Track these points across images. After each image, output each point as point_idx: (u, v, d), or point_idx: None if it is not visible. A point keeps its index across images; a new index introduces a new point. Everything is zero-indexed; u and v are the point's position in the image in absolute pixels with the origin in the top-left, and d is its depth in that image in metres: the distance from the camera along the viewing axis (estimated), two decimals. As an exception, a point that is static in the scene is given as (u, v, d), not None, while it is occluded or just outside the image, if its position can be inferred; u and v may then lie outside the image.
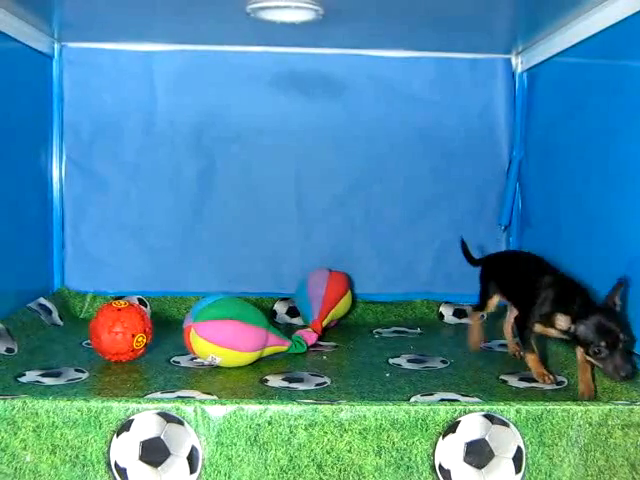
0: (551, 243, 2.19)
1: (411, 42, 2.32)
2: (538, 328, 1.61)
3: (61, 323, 2.20)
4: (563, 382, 1.66)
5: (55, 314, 2.21)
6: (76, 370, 1.72)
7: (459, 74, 2.44)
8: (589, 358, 1.48)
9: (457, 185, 2.47)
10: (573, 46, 1.99)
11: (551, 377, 1.62)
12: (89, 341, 1.83)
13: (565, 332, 1.50)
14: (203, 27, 2.13)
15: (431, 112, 2.45)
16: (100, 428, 1.22)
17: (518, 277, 1.78)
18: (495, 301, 1.89)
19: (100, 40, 2.34)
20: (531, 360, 1.66)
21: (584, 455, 1.27)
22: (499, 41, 2.30)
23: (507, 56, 2.44)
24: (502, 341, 2.00)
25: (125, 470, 1.22)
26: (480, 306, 1.92)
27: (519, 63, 2.43)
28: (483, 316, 1.98)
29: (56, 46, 2.35)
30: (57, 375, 1.67)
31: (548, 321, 1.54)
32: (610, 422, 1.27)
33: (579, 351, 1.53)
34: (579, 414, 1.26)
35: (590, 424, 1.26)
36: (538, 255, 1.84)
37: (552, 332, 1.56)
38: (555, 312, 1.51)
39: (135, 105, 2.40)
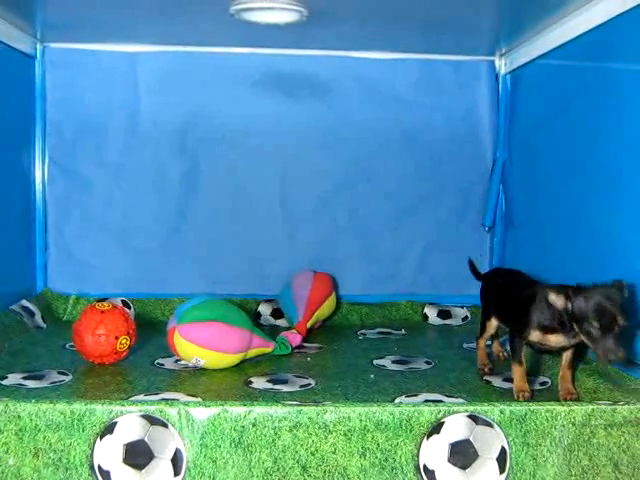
0: (534, 244, 2.20)
1: (396, 44, 2.33)
2: (537, 337, 1.51)
3: (44, 325, 2.19)
4: (547, 382, 1.67)
5: (38, 316, 2.19)
6: (59, 373, 1.71)
7: (443, 76, 2.45)
8: (582, 336, 1.39)
9: (441, 186, 2.48)
10: (556, 48, 2.00)
11: (527, 395, 1.51)
12: (72, 343, 1.82)
13: (563, 312, 1.40)
14: (187, 28, 2.13)
15: (416, 113, 2.45)
16: (83, 431, 1.21)
17: (507, 294, 1.69)
18: (494, 323, 1.78)
19: (83, 41, 2.33)
20: (517, 372, 1.54)
21: (567, 455, 1.27)
22: (483, 43, 2.31)
23: (491, 58, 2.45)
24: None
25: (109, 473, 1.21)
26: (480, 329, 1.83)
27: (502, 65, 2.44)
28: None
29: (39, 47, 2.33)
30: (40, 378, 1.66)
31: (549, 325, 1.46)
32: (593, 422, 1.27)
33: (565, 357, 1.53)
34: (562, 414, 1.27)
35: (573, 424, 1.27)
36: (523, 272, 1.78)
37: (551, 339, 1.48)
38: (548, 292, 1.41)
39: (119, 106, 2.39)
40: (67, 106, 2.37)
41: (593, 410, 1.28)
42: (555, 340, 1.49)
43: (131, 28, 2.17)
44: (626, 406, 1.29)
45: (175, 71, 2.39)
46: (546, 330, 1.48)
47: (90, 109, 2.38)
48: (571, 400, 1.46)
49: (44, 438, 1.21)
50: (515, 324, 1.61)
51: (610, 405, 1.29)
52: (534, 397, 1.52)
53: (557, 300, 1.41)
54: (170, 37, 2.28)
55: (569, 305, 1.40)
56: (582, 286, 1.41)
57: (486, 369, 1.79)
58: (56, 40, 2.33)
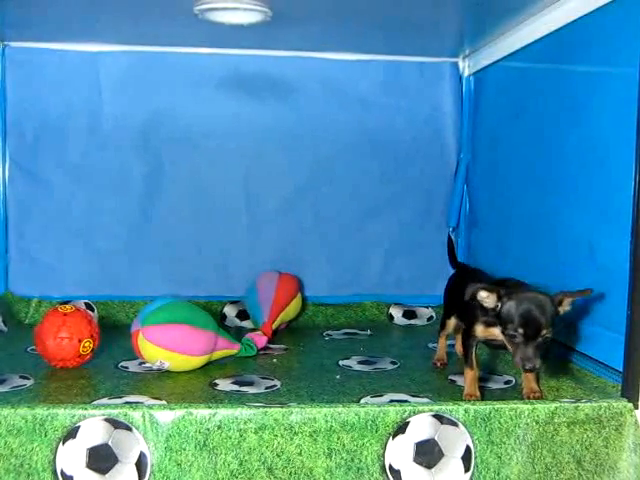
0: (497, 244, 2.22)
1: (360, 45, 2.33)
2: (481, 332, 1.52)
3: (5, 329, 2.16)
4: (511, 381, 1.69)
5: (-1, 320, 2.16)
6: (21, 377, 1.68)
7: (407, 77, 2.46)
8: (503, 337, 1.41)
9: (406, 187, 2.49)
10: (518, 50, 2.02)
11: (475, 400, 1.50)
12: (34, 347, 1.79)
13: (491, 311, 1.42)
14: (151, 28, 2.11)
15: (380, 115, 2.46)
16: (46, 436, 1.20)
17: (458, 291, 1.69)
18: (454, 322, 1.82)
19: (45, 40, 2.30)
20: (468, 376, 1.55)
21: (531, 453, 1.29)
22: (446, 45, 2.32)
23: (454, 59, 2.47)
24: (450, 342, 2.01)
25: (72, 478, 1.19)
26: (440, 325, 1.88)
27: (466, 67, 2.46)
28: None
29: (-1, 46, 2.30)
30: (1, 382, 1.63)
31: (489, 318, 1.46)
32: (556, 420, 1.29)
33: None
34: (526, 412, 1.28)
35: (537, 422, 1.28)
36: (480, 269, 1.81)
37: (495, 332, 1.47)
38: (479, 289, 1.41)
39: (81, 106, 2.36)
40: (28, 106, 2.33)
41: (556, 408, 1.29)
42: (499, 333, 1.47)
43: (94, 27, 2.14)
44: (588, 404, 1.31)
45: (138, 71, 2.37)
46: (488, 324, 1.48)
47: (51, 109, 2.34)
48: (535, 398, 1.46)
49: (5, 443, 1.20)
50: (464, 321, 1.64)
51: (573, 403, 1.31)
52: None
53: (487, 299, 1.42)
54: (133, 37, 2.26)
55: (498, 305, 1.41)
56: (516, 286, 1.42)
57: (439, 364, 1.83)
58: (17, 39, 2.29)
